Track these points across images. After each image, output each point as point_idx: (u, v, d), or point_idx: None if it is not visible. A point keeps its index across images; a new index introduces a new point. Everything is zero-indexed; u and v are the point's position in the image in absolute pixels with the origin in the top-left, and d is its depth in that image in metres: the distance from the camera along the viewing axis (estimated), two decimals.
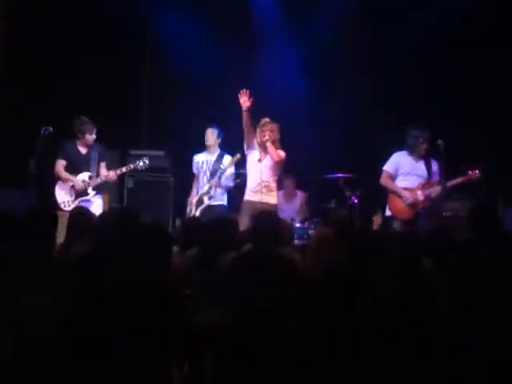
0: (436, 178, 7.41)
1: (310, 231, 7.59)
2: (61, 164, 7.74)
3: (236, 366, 3.95)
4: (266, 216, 4.60)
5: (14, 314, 3.92)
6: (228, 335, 4.00)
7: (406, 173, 7.45)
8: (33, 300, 3.97)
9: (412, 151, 7.44)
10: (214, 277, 4.32)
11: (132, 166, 7.80)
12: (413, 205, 7.28)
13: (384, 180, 7.52)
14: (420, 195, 7.31)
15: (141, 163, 7.77)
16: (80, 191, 7.66)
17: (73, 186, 7.69)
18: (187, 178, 9.05)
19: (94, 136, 7.73)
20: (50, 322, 3.94)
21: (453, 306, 3.96)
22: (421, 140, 7.38)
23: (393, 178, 7.48)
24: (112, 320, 3.94)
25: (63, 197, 7.69)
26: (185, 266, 4.63)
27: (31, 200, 7.24)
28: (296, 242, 6.67)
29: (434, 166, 7.42)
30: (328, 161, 8.90)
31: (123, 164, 8.18)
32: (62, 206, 7.65)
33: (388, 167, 7.54)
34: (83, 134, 7.72)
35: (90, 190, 7.67)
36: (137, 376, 3.91)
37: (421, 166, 7.44)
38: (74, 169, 7.75)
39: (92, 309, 3.97)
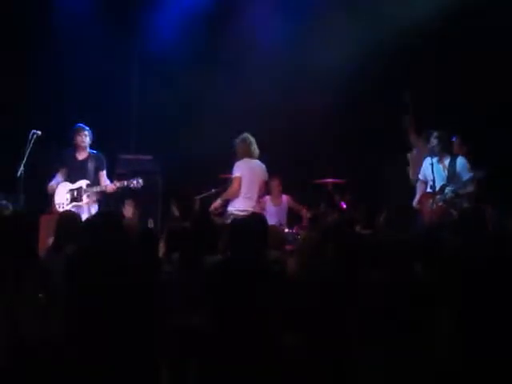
0: None
1: (299, 236, 7.57)
2: (62, 172, 7.91)
3: (219, 369, 3.97)
4: (242, 224, 4.57)
5: (6, 317, 3.92)
6: (209, 339, 4.02)
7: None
8: (23, 303, 3.97)
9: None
10: (196, 281, 4.32)
11: (126, 183, 7.78)
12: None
13: None
14: None
15: (135, 182, 7.75)
16: (75, 197, 7.76)
17: (70, 190, 7.78)
18: (175, 182, 9.06)
19: (83, 137, 7.82)
20: (38, 323, 3.94)
21: (443, 310, 3.97)
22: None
23: None
24: (100, 321, 3.94)
25: (61, 198, 7.80)
26: (172, 268, 4.63)
27: (19, 204, 7.22)
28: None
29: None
30: (317, 166, 8.91)
31: (112, 169, 8.30)
32: (57, 206, 7.76)
33: None
34: (73, 138, 7.83)
35: (84, 197, 7.74)
36: (126, 377, 3.91)
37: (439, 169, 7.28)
38: (70, 175, 7.86)
39: (81, 310, 3.98)
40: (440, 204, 7.02)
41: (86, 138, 7.82)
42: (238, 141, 7.82)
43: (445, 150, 7.21)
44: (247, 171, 7.68)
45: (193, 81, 9.60)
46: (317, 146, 9.25)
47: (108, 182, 7.86)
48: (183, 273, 4.56)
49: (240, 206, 7.54)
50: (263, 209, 7.72)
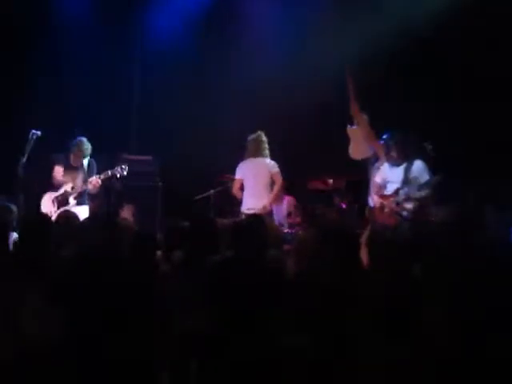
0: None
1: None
2: (59, 171, 7.90)
3: (220, 371, 3.97)
4: (242, 225, 4.58)
5: (12, 316, 3.92)
6: (210, 339, 4.02)
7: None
8: (28, 302, 3.99)
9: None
10: (197, 280, 4.32)
11: (110, 172, 7.80)
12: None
13: None
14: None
15: (119, 169, 7.77)
16: (61, 201, 7.77)
17: (56, 198, 7.79)
18: (175, 183, 9.06)
19: (79, 159, 7.83)
20: (44, 323, 3.95)
21: (440, 309, 3.97)
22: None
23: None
24: (99, 323, 3.94)
25: (47, 207, 7.78)
26: (172, 268, 4.63)
27: (19, 205, 7.21)
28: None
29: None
30: (317, 165, 8.89)
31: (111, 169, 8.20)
32: None
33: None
34: (72, 149, 7.88)
35: (70, 200, 7.76)
36: (126, 379, 3.91)
37: (397, 172, 7.21)
38: (59, 183, 7.88)
39: (80, 312, 3.98)
40: (393, 206, 7.02)
41: (81, 160, 7.84)
42: (249, 139, 7.90)
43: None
44: (249, 171, 7.83)
45: (194, 81, 9.62)
46: (317, 146, 9.24)
47: None
48: (183, 272, 4.56)
49: (248, 205, 7.71)
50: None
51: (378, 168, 7.38)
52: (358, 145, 7.63)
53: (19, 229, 4.46)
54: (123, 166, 7.75)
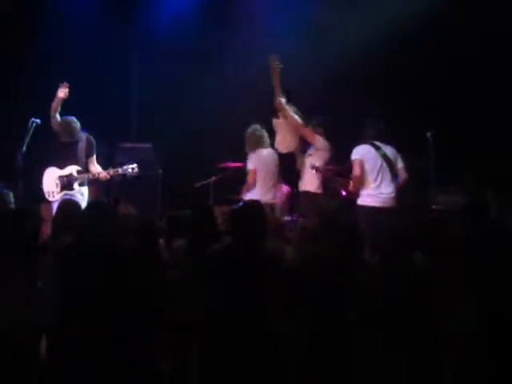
0: None
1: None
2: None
3: (221, 361, 3.97)
4: (240, 212, 4.58)
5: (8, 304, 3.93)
6: (210, 330, 4.03)
7: None
8: (18, 292, 3.98)
9: None
10: (199, 269, 4.33)
11: (120, 170, 7.58)
12: None
13: None
14: None
15: (129, 169, 7.57)
16: (66, 184, 7.50)
17: (60, 177, 7.53)
18: (174, 170, 9.05)
19: (69, 138, 7.51)
20: (36, 314, 3.95)
21: (443, 297, 3.98)
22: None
23: None
24: (97, 312, 3.94)
25: (49, 187, 7.56)
26: (173, 257, 4.63)
27: (18, 193, 7.18)
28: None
29: None
30: None
31: (111, 157, 8.31)
32: (46, 195, 7.55)
33: None
34: (59, 135, 7.56)
35: (75, 185, 7.51)
36: (126, 370, 3.92)
37: None
38: (58, 159, 7.60)
39: (78, 301, 3.98)
40: None
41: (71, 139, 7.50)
42: (248, 132, 7.88)
43: None
44: (261, 163, 7.82)
45: (194, 68, 9.61)
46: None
47: (99, 168, 7.63)
48: (185, 260, 4.56)
49: (258, 196, 7.55)
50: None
51: (311, 155, 7.53)
52: (283, 138, 7.68)
53: None
54: (133, 167, 7.55)
